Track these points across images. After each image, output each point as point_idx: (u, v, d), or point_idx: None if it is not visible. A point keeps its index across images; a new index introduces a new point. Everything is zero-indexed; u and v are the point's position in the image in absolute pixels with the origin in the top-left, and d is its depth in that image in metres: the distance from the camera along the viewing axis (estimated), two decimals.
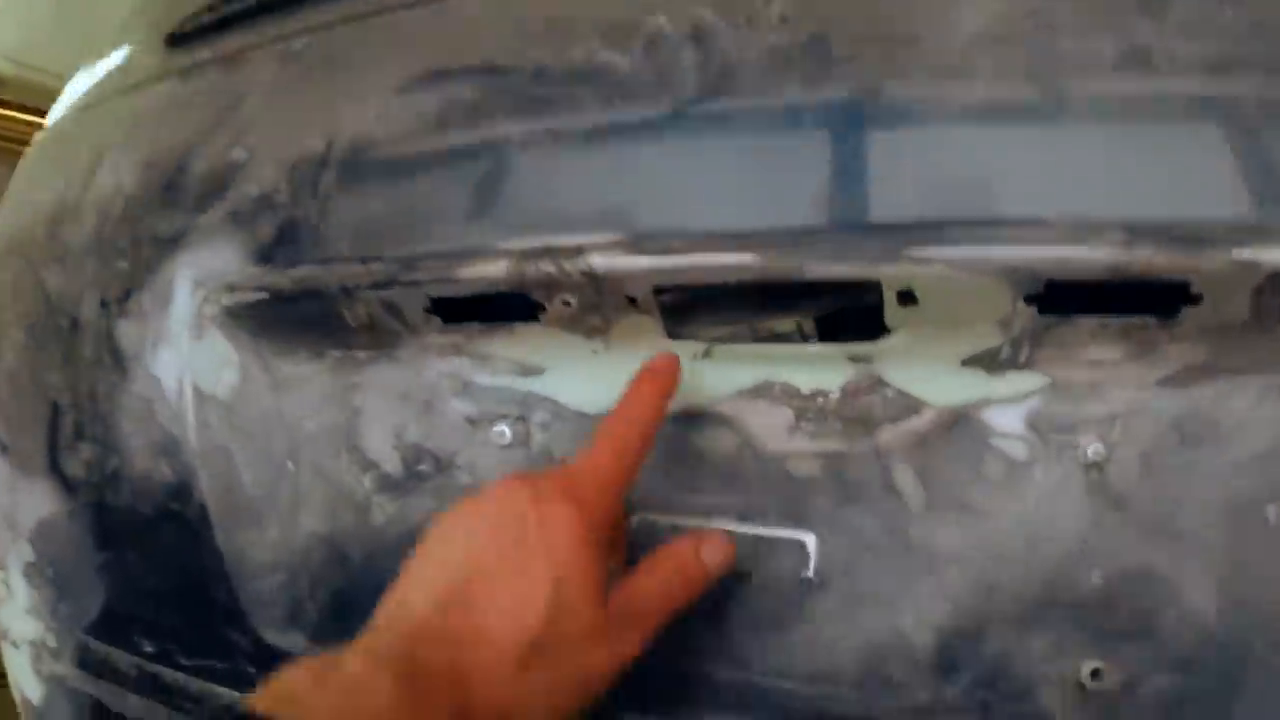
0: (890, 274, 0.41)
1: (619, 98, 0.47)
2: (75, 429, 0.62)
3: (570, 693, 0.38)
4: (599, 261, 0.45)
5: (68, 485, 0.63)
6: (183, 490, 0.57)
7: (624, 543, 0.47)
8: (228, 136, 0.57)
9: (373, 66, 0.54)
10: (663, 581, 0.42)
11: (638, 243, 0.44)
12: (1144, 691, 0.41)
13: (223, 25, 0.63)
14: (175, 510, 0.58)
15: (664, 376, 0.45)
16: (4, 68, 3.11)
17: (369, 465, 0.56)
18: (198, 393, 0.56)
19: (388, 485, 0.55)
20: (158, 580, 0.62)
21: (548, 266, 0.46)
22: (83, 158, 0.66)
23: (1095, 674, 0.41)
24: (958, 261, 0.40)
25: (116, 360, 0.60)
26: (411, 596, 0.39)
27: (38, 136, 0.77)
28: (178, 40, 0.65)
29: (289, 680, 0.35)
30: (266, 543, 0.57)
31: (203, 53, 0.63)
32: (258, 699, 0.34)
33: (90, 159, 0.65)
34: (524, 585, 0.38)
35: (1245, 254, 0.37)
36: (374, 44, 0.55)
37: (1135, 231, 0.38)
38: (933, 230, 0.40)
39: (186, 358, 0.56)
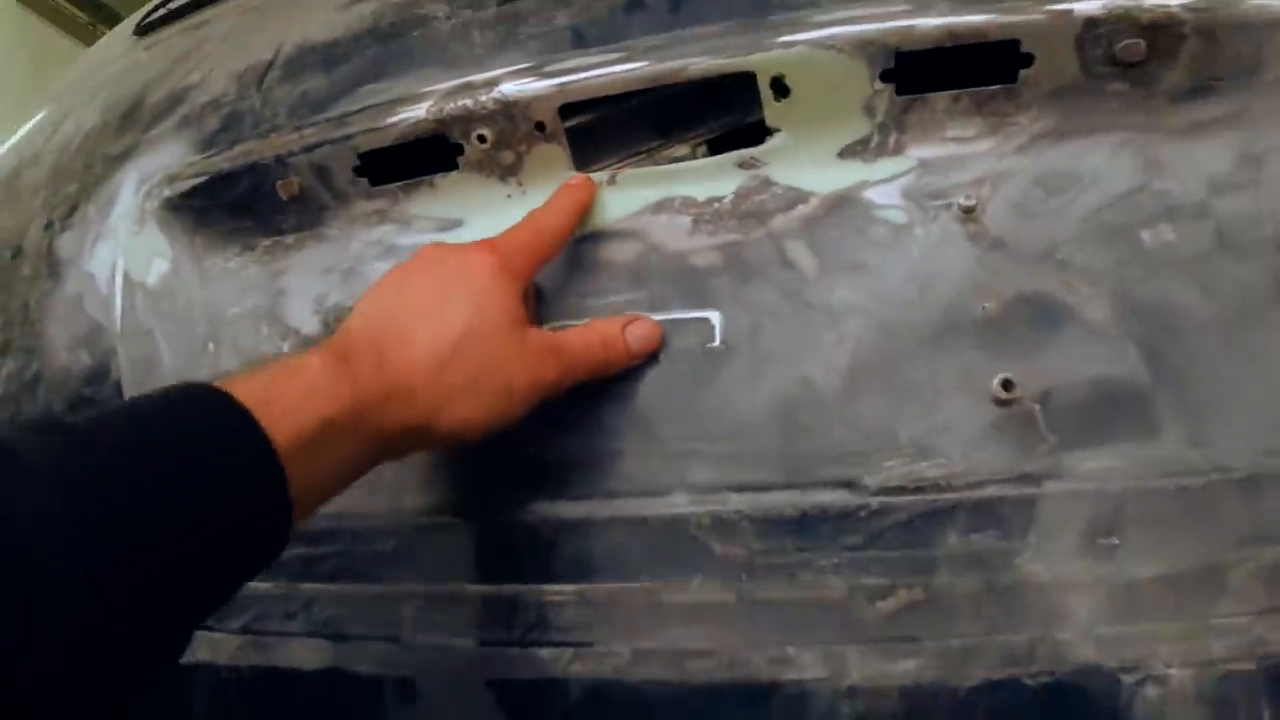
0: (762, 61, 0.47)
1: None
2: (2, 347, 0.63)
3: (488, 397, 0.41)
4: (509, 88, 0.51)
5: None
6: (99, 374, 0.57)
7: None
8: (185, 68, 0.64)
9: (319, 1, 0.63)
10: (588, 344, 0.46)
11: (542, 68, 0.51)
12: (1062, 398, 0.42)
13: (187, 9, 0.72)
14: (88, 396, 0.57)
15: (580, 189, 0.51)
16: None
17: (288, 332, 0.57)
18: (128, 281, 0.58)
19: (306, 346, 0.56)
20: None
21: (465, 100, 0.51)
22: (48, 121, 0.72)
23: (1006, 385, 0.42)
24: (817, 41, 0.46)
25: (52, 270, 0.62)
26: (351, 320, 0.42)
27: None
28: (146, 28, 0.74)
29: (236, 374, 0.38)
30: None
31: (168, 31, 0.72)
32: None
33: (56, 120, 0.71)
34: (446, 305, 0.42)
35: (1059, 6, 0.44)
36: None
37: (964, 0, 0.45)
38: (792, 21, 0.47)
39: (122, 249, 0.59)
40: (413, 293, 0.43)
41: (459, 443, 0.42)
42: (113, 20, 3.83)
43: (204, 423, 0.34)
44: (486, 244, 0.46)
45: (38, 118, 0.80)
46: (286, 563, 0.50)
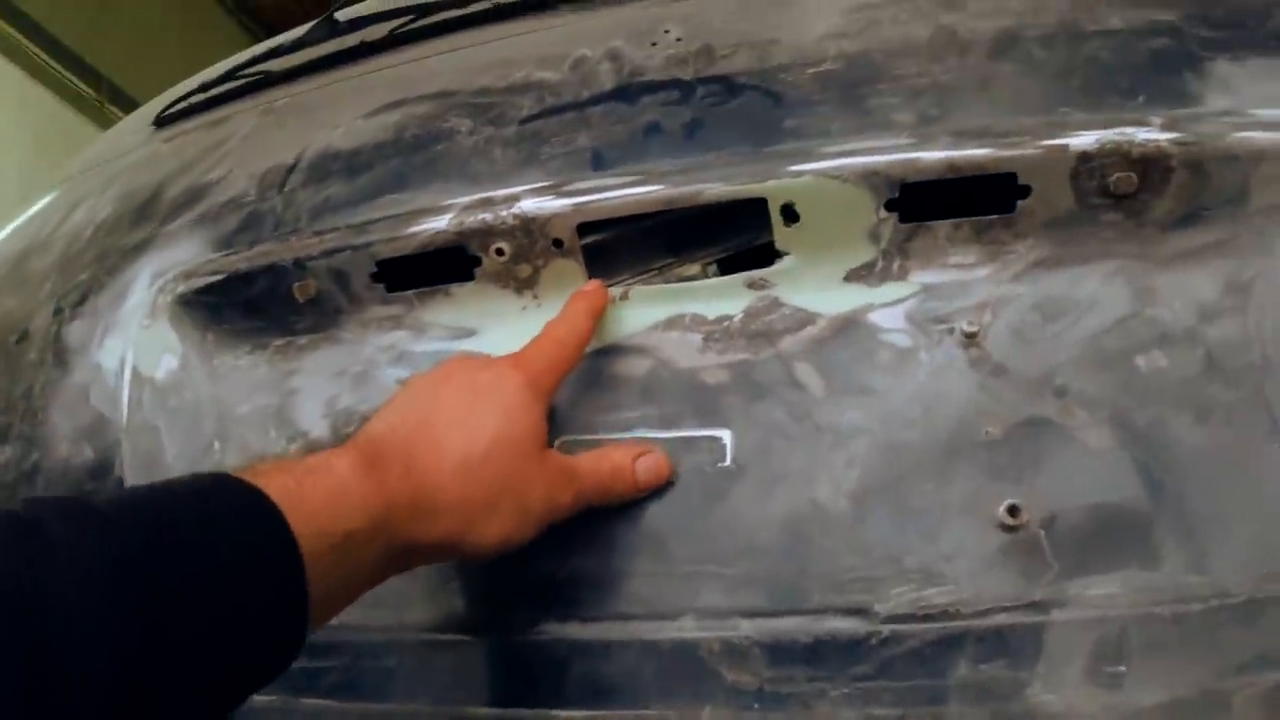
0: (773, 188, 0.50)
1: (550, 96, 0.58)
2: (2, 433, 0.62)
3: (506, 517, 0.42)
4: (529, 205, 0.53)
5: None
6: (102, 469, 0.57)
7: None
8: (205, 164, 0.66)
9: (342, 106, 0.65)
10: (598, 472, 0.47)
11: (562, 187, 0.53)
12: (1065, 524, 0.43)
13: (208, 105, 0.74)
14: (89, 491, 0.57)
15: (593, 296, 0.52)
16: None
17: (296, 435, 0.57)
18: (136, 375, 0.59)
19: (313, 449, 0.56)
20: None
21: (485, 214, 0.53)
22: (59, 206, 0.73)
23: (1013, 510, 0.43)
24: (825, 171, 0.49)
25: (59, 358, 0.62)
26: (375, 424, 0.43)
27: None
28: (166, 120, 0.76)
29: (257, 465, 0.37)
30: None
31: (187, 125, 0.74)
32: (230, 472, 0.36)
33: (67, 206, 0.72)
34: (474, 416, 0.43)
35: (1055, 141, 0.47)
36: (345, 93, 0.67)
37: (964, 134, 0.48)
38: (802, 151, 0.50)
39: (131, 343, 0.59)
40: (444, 402, 0.43)
41: (471, 559, 0.42)
42: (119, 96, 3.92)
43: (234, 519, 0.34)
44: (515, 360, 0.47)
45: (46, 200, 0.82)
46: (289, 675, 0.49)
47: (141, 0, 4.19)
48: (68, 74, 3.72)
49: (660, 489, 0.48)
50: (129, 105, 3.92)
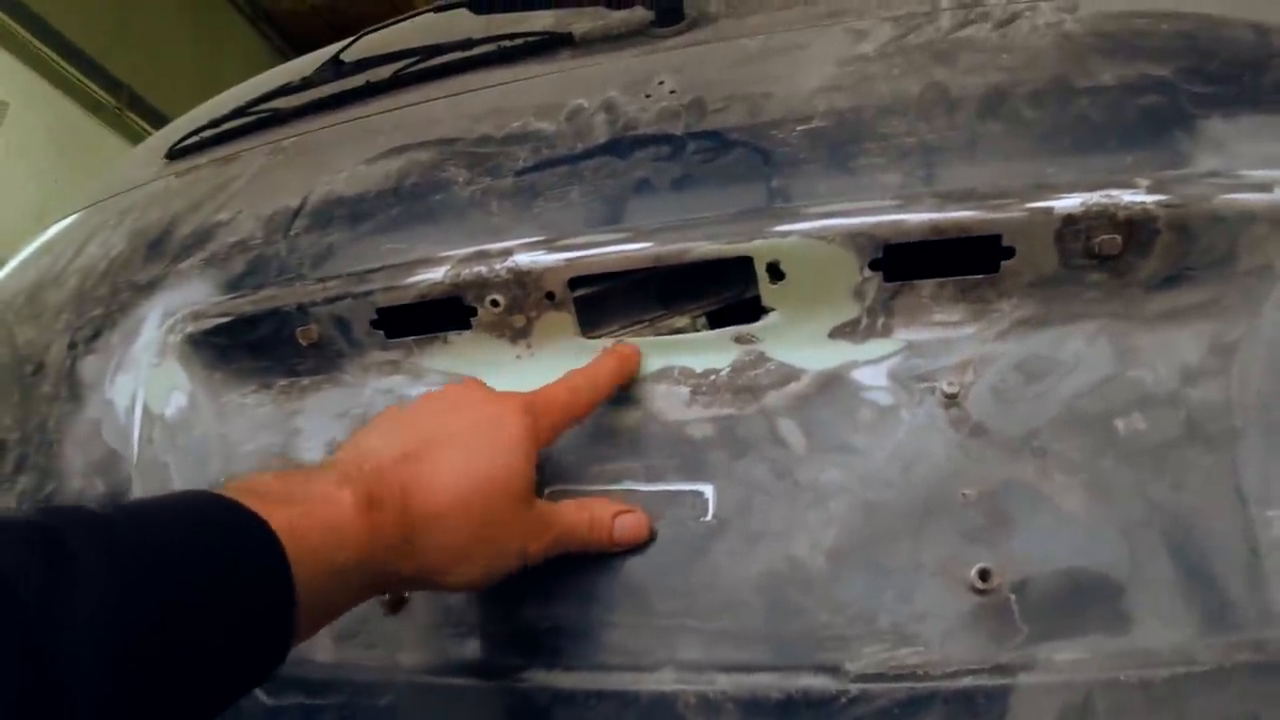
0: (759, 248, 0.51)
1: (546, 148, 0.60)
2: (17, 463, 0.66)
3: (482, 560, 0.44)
4: (523, 259, 0.55)
5: None
6: (113, 503, 0.60)
7: None
8: (214, 204, 0.69)
9: (346, 149, 0.68)
10: (577, 523, 0.49)
11: (555, 242, 0.55)
12: (1036, 589, 0.45)
13: (218, 140, 0.77)
14: None
15: (626, 360, 0.54)
16: None
17: None
18: (147, 412, 0.62)
19: None
20: None
21: (480, 267, 0.56)
22: (74, 238, 0.76)
23: (984, 575, 0.45)
24: (810, 232, 0.51)
25: (73, 392, 0.65)
26: (375, 443, 0.45)
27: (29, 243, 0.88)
28: (176, 154, 0.79)
29: (256, 479, 0.40)
30: None
31: (198, 159, 0.77)
32: (226, 488, 0.38)
33: (81, 239, 0.75)
34: (472, 456, 0.45)
35: (1040, 204, 0.49)
36: (349, 135, 0.69)
37: (949, 196, 0.50)
38: (788, 211, 0.52)
39: (143, 380, 0.62)
40: (447, 433, 0.45)
41: (437, 591, 0.46)
42: (138, 103, 4.01)
43: (239, 553, 0.36)
44: (524, 402, 0.48)
45: (60, 229, 0.85)
46: (287, 709, 0.52)
47: (161, 9, 4.28)
48: (88, 81, 3.81)
49: (646, 542, 0.50)
50: (148, 112, 4.05)
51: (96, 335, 0.67)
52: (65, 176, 3.56)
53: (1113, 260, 0.50)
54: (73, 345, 0.68)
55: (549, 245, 0.55)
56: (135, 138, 4.00)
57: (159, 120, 4.05)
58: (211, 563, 0.36)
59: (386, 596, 0.53)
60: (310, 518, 0.39)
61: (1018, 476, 0.48)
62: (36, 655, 0.29)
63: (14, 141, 3.39)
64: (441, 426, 0.46)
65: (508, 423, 0.46)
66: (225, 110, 0.77)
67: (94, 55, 3.82)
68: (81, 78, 3.76)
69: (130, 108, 3.98)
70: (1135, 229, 0.49)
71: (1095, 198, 0.49)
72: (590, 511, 0.49)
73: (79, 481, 0.63)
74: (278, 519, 0.37)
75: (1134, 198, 0.49)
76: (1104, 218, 0.49)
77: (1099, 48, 0.58)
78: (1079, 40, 0.59)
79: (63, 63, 3.67)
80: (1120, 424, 0.49)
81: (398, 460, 0.44)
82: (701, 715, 0.45)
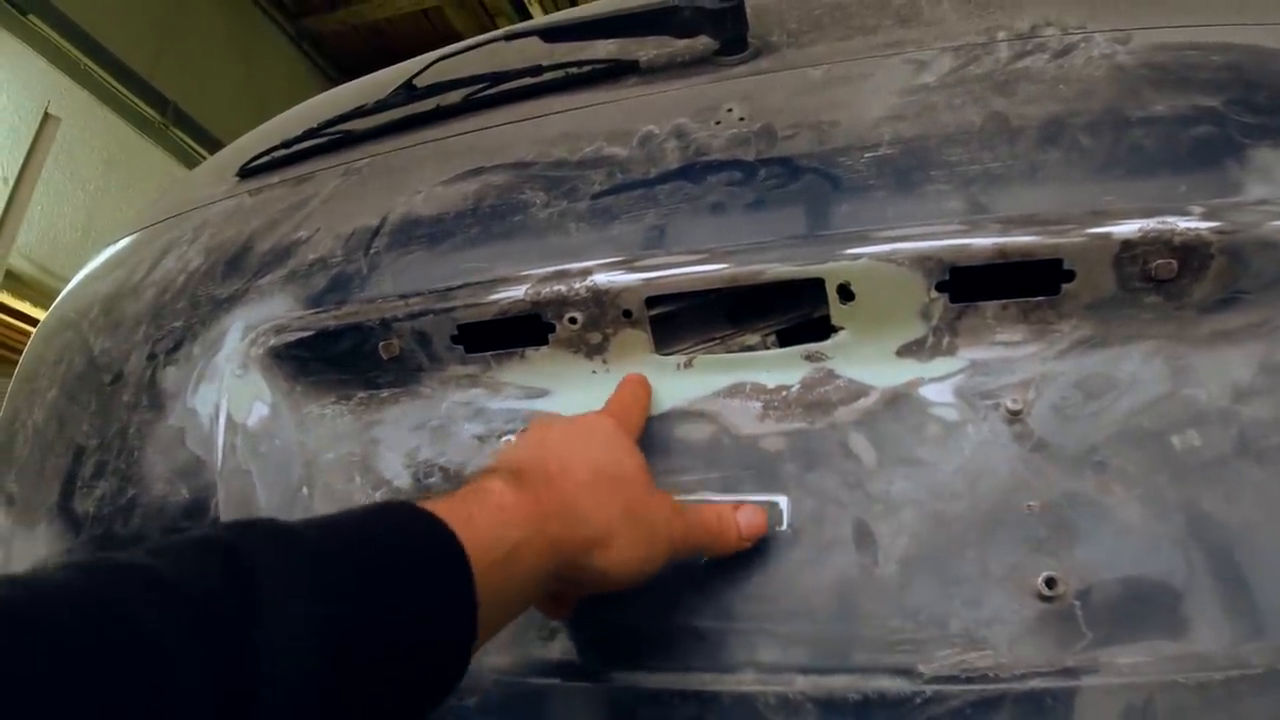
0: (831, 269, 0.56)
1: (620, 172, 0.65)
2: (96, 469, 0.70)
3: (637, 537, 0.48)
4: (601, 279, 0.60)
5: (74, 523, 0.70)
6: (197, 508, 0.65)
7: None
8: (292, 222, 0.74)
9: (421, 171, 0.73)
10: (705, 517, 0.53)
11: (632, 262, 0.60)
12: (1099, 596, 0.49)
13: (290, 161, 0.82)
14: (185, 529, 0.65)
15: (638, 382, 0.60)
16: (22, 265, 3.39)
17: (380, 483, 0.64)
18: (230, 421, 0.67)
19: (396, 498, 0.64)
20: None
21: (559, 286, 0.60)
22: (147, 253, 0.81)
23: (1050, 583, 0.49)
24: (880, 255, 0.55)
25: (153, 401, 0.70)
26: (511, 454, 0.50)
27: (99, 256, 0.93)
28: (249, 173, 0.84)
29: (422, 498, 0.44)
30: None
31: (270, 179, 0.82)
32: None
33: (156, 254, 0.80)
34: (590, 449, 0.51)
35: (1099, 229, 0.53)
36: (424, 158, 0.75)
37: (1012, 222, 0.54)
38: (858, 235, 0.56)
39: (225, 390, 0.67)
40: (557, 441, 0.51)
41: (612, 584, 0.48)
42: (182, 119, 4.20)
43: (418, 548, 0.40)
44: (603, 411, 0.55)
45: (128, 242, 0.90)
46: None
47: (207, 28, 4.50)
48: (134, 98, 4.00)
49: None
50: (191, 128, 4.26)
51: (177, 346, 0.72)
52: (112, 190, 3.73)
53: (1168, 284, 0.54)
54: (152, 356, 0.73)
55: (627, 265, 0.59)
56: (180, 153, 4.26)
57: (203, 136, 4.31)
58: (391, 554, 0.39)
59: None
60: (474, 505, 0.43)
61: (1079, 489, 0.52)
62: (226, 667, 0.30)
63: (64, 156, 3.59)
64: (549, 439, 0.51)
65: (604, 423, 0.53)
66: (296, 131, 0.82)
67: (141, 73, 4.04)
68: (129, 95, 3.97)
69: (176, 124, 4.20)
70: (1190, 254, 0.53)
71: (1152, 224, 0.53)
72: (714, 509, 0.53)
73: (162, 487, 0.67)
74: (445, 510, 0.41)
75: (1189, 224, 0.53)
76: (1160, 243, 0.53)
77: (1151, 79, 0.63)
78: (1132, 71, 0.63)
79: (111, 80, 3.88)
80: (1176, 440, 0.53)
81: (524, 458, 0.48)
82: (781, 715, 0.49)
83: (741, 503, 0.54)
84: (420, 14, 4.59)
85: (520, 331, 0.63)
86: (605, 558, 0.47)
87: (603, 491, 0.48)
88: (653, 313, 0.60)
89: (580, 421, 0.52)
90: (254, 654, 0.32)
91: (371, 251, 0.68)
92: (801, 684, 0.50)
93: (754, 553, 0.54)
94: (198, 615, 0.31)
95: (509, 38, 0.75)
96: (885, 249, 0.55)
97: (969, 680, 0.48)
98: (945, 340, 0.57)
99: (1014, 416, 0.55)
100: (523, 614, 0.56)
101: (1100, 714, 0.48)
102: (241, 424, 0.67)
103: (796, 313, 0.61)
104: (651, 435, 0.59)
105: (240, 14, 4.67)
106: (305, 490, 0.66)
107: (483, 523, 0.42)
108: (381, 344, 0.65)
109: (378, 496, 0.64)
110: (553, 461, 0.48)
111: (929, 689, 0.48)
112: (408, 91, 0.76)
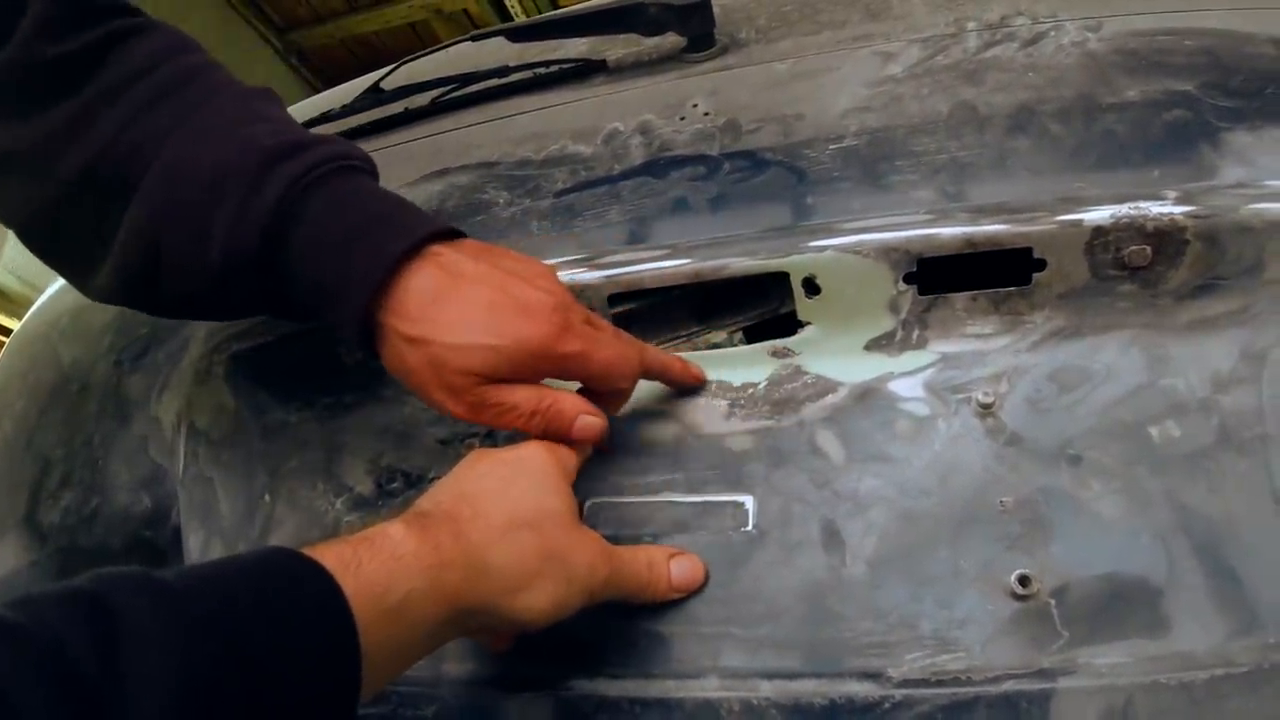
0: (795, 263, 0.54)
1: (584, 169, 0.63)
2: (62, 479, 0.69)
3: (551, 584, 0.45)
4: (563, 276, 0.58)
5: (40, 535, 0.68)
6: (159, 518, 0.63)
7: None
8: None
9: (387, 173, 0.71)
10: (635, 560, 0.50)
11: (595, 260, 0.58)
12: (1075, 594, 0.47)
13: None
14: (147, 538, 0.63)
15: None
16: (8, 281, 3.37)
17: (343, 490, 0.63)
18: (192, 429, 0.65)
19: (359, 505, 0.62)
20: None
21: None
22: None
23: (1024, 581, 0.47)
24: (845, 246, 0.54)
25: (119, 410, 0.68)
26: (427, 497, 0.47)
27: None
28: None
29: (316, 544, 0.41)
30: None
31: None
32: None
33: None
34: (513, 488, 0.47)
35: (1070, 216, 0.51)
36: (390, 160, 0.73)
37: (980, 211, 0.52)
38: (823, 227, 0.54)
39: (188, 398, 0.66)
40: (480, 480, 0.48)
41: (523, 628, 0.46)
42: None
43: (293, 594, 0.37)
44: (539, 442, 0.51)
45: None
46: None
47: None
48: None
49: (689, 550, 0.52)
50: None
51: (143, 354, 0.70)
52: None
53: (1143, 271, 0.52)
54: (118, 364, 0.71)
55: (589, 263, 0.58)
56: None
57: None
58: (263, 600, 0.36)
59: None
60: (364, 551, 0.40)
61: (1054, 484, 0.50)
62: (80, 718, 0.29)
63: None
64: (473, 477, 0.48)
65: (535, 457, 0.49)
66: None
67: None
68: None
69: None
70: (1164, 240, 0.51)
71: (1124, 210, 0.52)
72: (646, 553, 0.51)
73: (125, 496, 0.66)
74: (330, 556, 0.39)
75: (1162, 209, 0.51)
76: (1133, 229, 0.51)
77: (1123, 65, 0.61)
78: (1103, 58, 0.62)
79: None
80: (1154, 431, 0.51)
81: (439, 503, 0.46)
82: None
83: (680, 551, 0.52)
84: (408, 27, 4.55)
85: None
86: (513, 606, 0.44)
87: (516, 539, 0.45)
88: (616, 310, 0.58)
89: (510, 458, 0.49)
90: (106, 704, 0.30)
91: None
92: (767, 689, 0.47)
93: (718, 554, 0.52)
94: (49, 664, 0.30)
95: (476, 39, 0.74)
96: (850, 240, 0.54)
97: (940, 683, 0.46)
98: (914, 334, 0.55)
99: (986, 410, 0.53)
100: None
101: (1078, 717, 0.45)
102: (204, 432, 0.65)
103: (763, 309, 0.59)
104: (615, 435, 0.57)
105: (227, 27, 4.62)
106: (267, 498, 0.64)
107: (372, 570, 0.40)
108: (342, 349, 0.63)
109: (339, 503, 0.62)
110: (466, 508, 0.46)
111: (898, 693, 0.46)
112: (375, 95, 0.74)
